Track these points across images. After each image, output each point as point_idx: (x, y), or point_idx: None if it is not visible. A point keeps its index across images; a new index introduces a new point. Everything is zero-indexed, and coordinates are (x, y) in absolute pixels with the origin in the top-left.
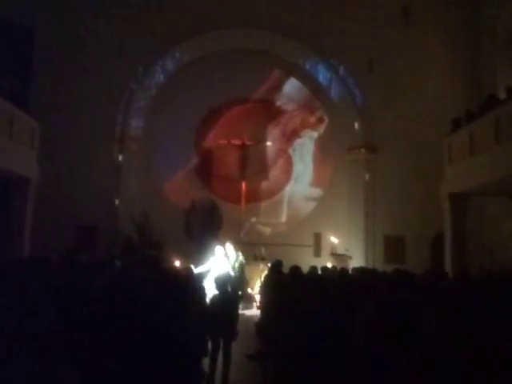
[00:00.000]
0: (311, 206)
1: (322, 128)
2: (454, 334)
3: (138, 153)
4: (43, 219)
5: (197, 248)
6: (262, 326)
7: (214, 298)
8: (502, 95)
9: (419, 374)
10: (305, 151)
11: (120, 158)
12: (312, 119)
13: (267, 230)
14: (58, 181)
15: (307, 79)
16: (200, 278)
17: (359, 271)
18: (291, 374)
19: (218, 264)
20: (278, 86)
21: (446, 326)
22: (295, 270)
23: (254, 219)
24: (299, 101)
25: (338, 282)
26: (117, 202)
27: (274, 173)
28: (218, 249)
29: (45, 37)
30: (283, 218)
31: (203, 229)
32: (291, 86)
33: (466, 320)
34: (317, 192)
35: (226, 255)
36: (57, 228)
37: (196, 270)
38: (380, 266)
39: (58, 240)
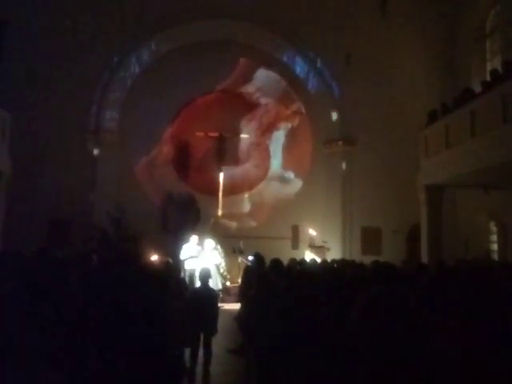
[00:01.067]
0: (289, 198)
1: (299, 120)
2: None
3: (113, 145)
4: (15, 212)
5: (174, 241)
6: (244, 319)
7: (194, 292)
8: (477, 88)
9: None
10: (282, 143)
11: (95, 150)
12: (289, 111)
13: (245, 223)
14: (31, 173)
15: (285, 71)
16: (182, 270)
17: (340, 263)
18: (274, 368)
19: (205, 257)
20: (255, 78)
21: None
22: (276, 262)
23: (231, 212)
24: (276, 93)
25: (321, 274)
26: (91, 195)
27: (251, 165)
28: (208, 242)
29: (17, 26)
30: (260, 211)
31: (181, 222)
32: (268, 77)
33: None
34: (294, 184)
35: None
36: (29, 221)
37: (182, 258)
38: (357, 257)
39: (31, 234)
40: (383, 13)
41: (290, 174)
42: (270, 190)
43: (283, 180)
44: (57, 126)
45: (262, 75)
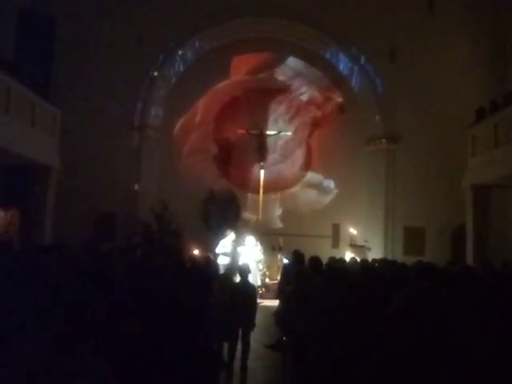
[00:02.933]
0: (330, 196)
1: (342, 118)
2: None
3: (158, 141)
4: (64, 206)
5: (214, 237)
6: (282, 316)
7: (234, 288)
8: None
9: (454, 371)
10: (325, 141)
11: (140, 146)
12: (332, 109)
13: (285, 220)
14: (79, 168)
15: (328, 68)
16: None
17: (381, 263)
18: (312, 364)
19: (245, 253)
20: (298, 76)
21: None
22: (315, 260)
23: (272, 209)
24: (320, 90)
25: (360, 273)
26: (136, 189)
27: (293, 163)
28: (249, 239)
29: (66, 25)
30: (301, 209)
31: (221, 218)
32: (312, 75)
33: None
34: (336, 182)
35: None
36: (77, 215)
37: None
38: (399, 257)
39: (79, 227)
40: (430, 8)
41: (330, 183)
42: (305, 196)
43: (321, 189)
44: (104, 123)
45: (305, 71)
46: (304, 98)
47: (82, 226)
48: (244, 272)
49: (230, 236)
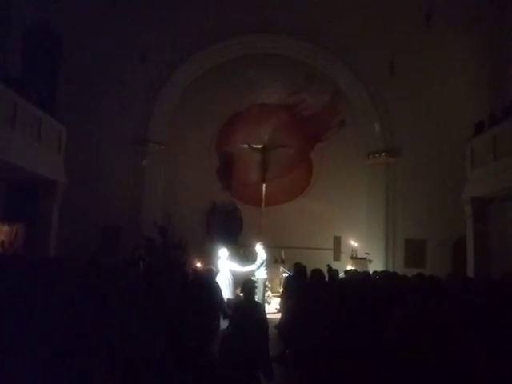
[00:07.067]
0: (331, 209)
1: (342, 132)
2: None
3: (161, 155)
4: (68, 220)
5: (216, 250)
6: (285, 328)
7: (238, 310)
8: None
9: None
10: (325, 155)
11: (143, 161)
12: (333, 123)
13: (287, 233)
14: (84, 183)
15: (328, 83)
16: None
17: (382, 275)
18: (315, 376)
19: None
20: (299, 90)
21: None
22: (317, 273)
23: (273, 222)
24: (320, 105)
25: (362, 286)
26: (140, 204)
27: (295, 176)
28: (222, 251)
29: (72, 42)
30: (303, 222)
31: (223, 231)
32: (312, 89)
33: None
34: (337, 195)
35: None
36: (82, 229)
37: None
38: (400, 269)
39: (83, 241)
40: (428, 24)
41: (335, 202)
42: (306, 209)
43: (323, 208)
44: (108, 138)
45: (307, 87)
46: (305, 112)
47: (87, 239)
48: (249, 289)
49: (222, 252)
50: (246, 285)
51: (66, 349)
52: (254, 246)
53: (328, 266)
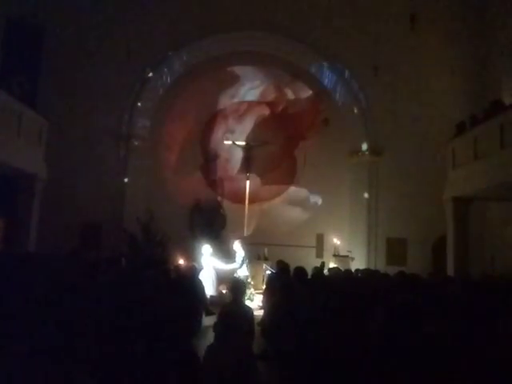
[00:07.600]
0: (314, 207)
1: (326, 130)
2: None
3: (144, 152)
4: (49, 216)
5: (200, 247)
6: (267, 326)
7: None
8: (508, 100)
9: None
10: (309, 153)
11: (126, 156)
12: (317, 121)
13: (270, 230)
14: (65, 178)
15: (312, 82)
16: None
17: (364, 273)
18: (297, 374)
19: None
20: (283, 89)
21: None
22: (300, 270)
23: (257, 219)
24: (304, 103)
25: (344, 284)
26: (122, 200)
27: (278, 174)
28: (205, 247)
29: (54, 36)
30: (286, 219)
31: (207, 228)
32: (297, 88)
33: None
34: (320, 193)
35: (236, 252)
36: (63, 224)
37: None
38: (382, 267)
39: (64, 236)
40: (413, 24)
41: (317, 199)
42: (290, 207)
43: (305, 200)
44: (90, 133)
45: (289, 85)
46: (289, 110)
47: (68, 235)
48: (237, 289)
49: (205, 248)
50: (233, 285)
51: (44, 347)
52: (233, 244)
53: (322, 262)
